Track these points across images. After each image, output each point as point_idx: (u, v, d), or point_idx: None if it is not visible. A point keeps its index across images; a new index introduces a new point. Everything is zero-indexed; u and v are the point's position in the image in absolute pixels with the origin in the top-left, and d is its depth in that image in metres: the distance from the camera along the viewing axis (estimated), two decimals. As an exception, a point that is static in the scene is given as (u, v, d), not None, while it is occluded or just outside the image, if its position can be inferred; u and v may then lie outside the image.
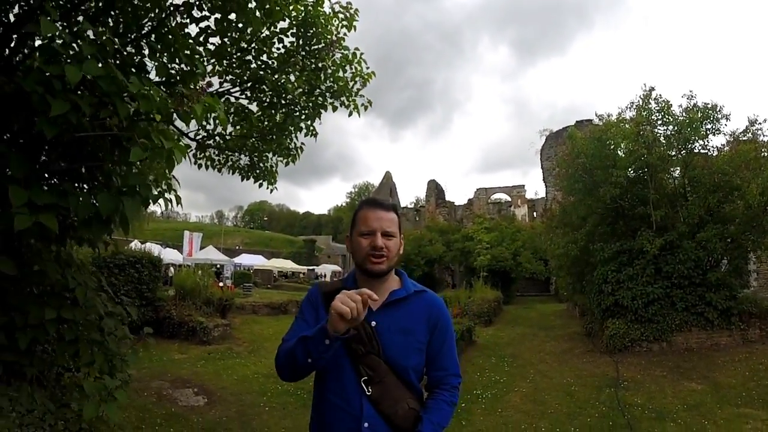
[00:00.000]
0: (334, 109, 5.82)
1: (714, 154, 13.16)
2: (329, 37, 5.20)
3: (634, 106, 13.75)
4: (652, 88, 13.72)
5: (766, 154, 12.46)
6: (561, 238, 15.29)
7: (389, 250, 1.92)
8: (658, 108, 13.32)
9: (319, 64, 5.37)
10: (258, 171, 6.12)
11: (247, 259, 46.07)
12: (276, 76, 5.26)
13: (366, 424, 1.79)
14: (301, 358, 1.73)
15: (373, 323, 1.89)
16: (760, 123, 12.91)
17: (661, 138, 13.22)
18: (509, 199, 49.86)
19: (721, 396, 9.04)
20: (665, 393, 9.30)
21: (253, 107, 5.73)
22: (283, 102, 5.59)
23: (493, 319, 19.53)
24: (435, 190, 52.71)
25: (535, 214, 44.72)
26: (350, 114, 5.69)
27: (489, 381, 10.65)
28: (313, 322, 1.91)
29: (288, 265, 49.62)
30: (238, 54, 5.03)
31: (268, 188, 6.25)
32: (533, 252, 29.65)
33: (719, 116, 12.92)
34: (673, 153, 13.22)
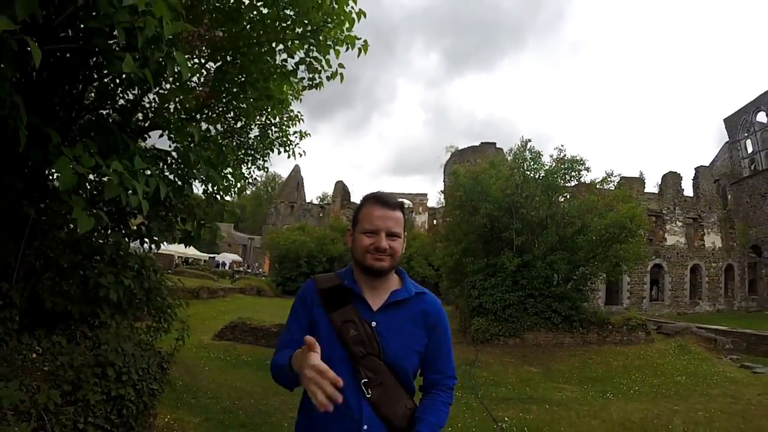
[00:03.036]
0: (279, 152, 7.06)
1: (569, 197, 17.22)
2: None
3: (512, 153, 17.53)
4: (529, 140, 17.91)
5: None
6: (442, 251, 18.98)
7: (394, 250, 1.89)
8: (531, 156, 17.17)
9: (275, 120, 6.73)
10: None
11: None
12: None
13: (365, 427, 1.77)
14: (285, 382, 1.78)
15: (374, 324, 1.86)
16: (613, 176, 17.28)
17: (531, 181, 16.91)
18: (412, 205, 52.28)
19: (549, 376, 12.49)
20: (507, 372, 12.66)
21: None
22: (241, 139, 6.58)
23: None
24: (342, 191, 54.35)
25: (434, 221, 47.58)
26: (288, 156, 7.03)
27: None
28: (305, 323, 1.91)
29: (190, 251, 50.07)
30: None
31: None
32: (425, 258, 32.58)
33: (581, 167, 16.99)
34: (538, 193, 16.86)
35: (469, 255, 17.17)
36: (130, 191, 2.89)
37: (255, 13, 4.90)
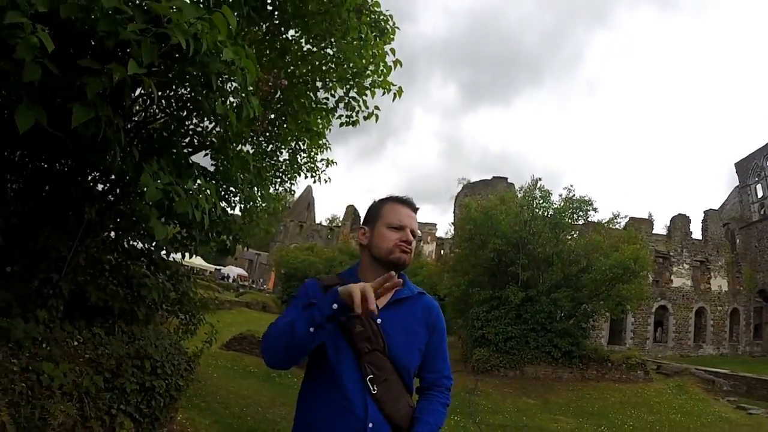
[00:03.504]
0: (306, 177, 7.46)
1: (576, 236, 17.75)
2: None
3: (523, 190, 18.11)
4: (539, 179, 18.65)
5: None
6: (449, 281, 19.43)
7: (412, 248, 1.95)
8: (540, 195, 17.87)
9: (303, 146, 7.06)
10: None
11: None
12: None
13: (370, 425, 1.76)
14: (302, 328, 1.66)
15: (379, 320, 1.87)
16: (620, 217, 17.86)
17: (539, 219, 17.51)
18: (420, 234, 51.60)
19: (546, 408, 12.86)
20: (506, 401, 13.03)
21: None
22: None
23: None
24: (352, 215, 54.84)
25: (442, 252, 47.49)
26: (314, 182, 7.49)
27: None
28: None
29: (196, 261, 50.34)
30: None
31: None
32: (432, 287, 32.66)
33: (589, 208, 17.56)
34: (546, 231, 17.39)
35: (475, 286, 17.75)
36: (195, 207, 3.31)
37: (304, 51, 5.38)
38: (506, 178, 42.35)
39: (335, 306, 1.63)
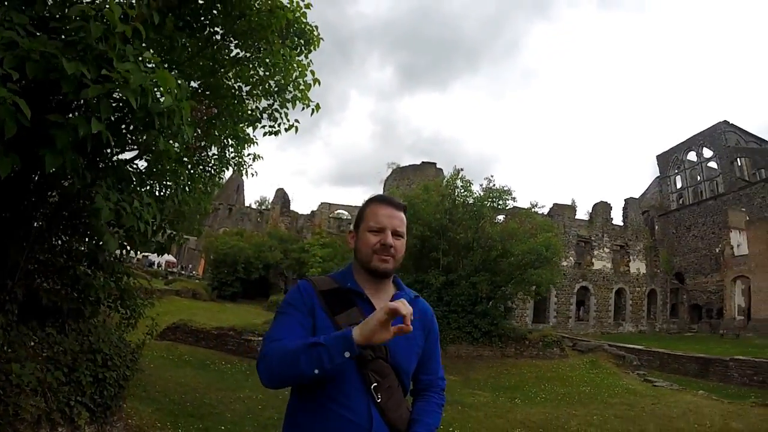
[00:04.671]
0: (234, 171, 8.39)
1: (498, 222, 19.06)
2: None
3: (445, 181, 19.29)
4: (461, 169, 19.89)
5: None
6: None
7: (397, 250, 1.92)
8: (462, 185, 19.23)
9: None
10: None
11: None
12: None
13: None
14: (307, 368, 1.59)
15: None
16: (539, 206, 19.38)
17: (460, 207, 18.75)
18: (350, 217, 52.42)
19: (467, 384, 13.97)
20: (429, 380, 14.05)
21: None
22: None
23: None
24: (282, 198, 54.82)
25: None
26: (242, 176, 8.24)
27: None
28: (308, 325, 1.81)
29: (124, 248, 48.88)
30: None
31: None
32: None
33: (507, 197, 18.88)
34: (466, 219, 18.61)
35: (400, 271, 18.43)
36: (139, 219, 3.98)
37: (235, 58, 6.02)
38: (435, 164, 43.70)
39: (348, 354, 1.58)
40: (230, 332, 14.30)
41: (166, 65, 4.55)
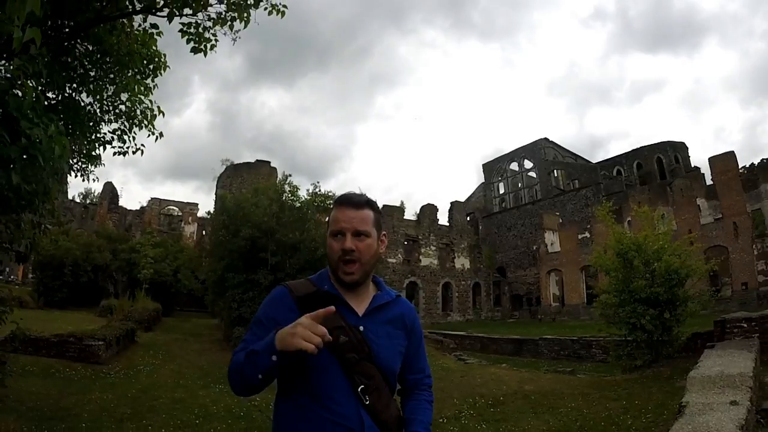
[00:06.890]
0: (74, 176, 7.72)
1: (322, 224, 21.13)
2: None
3: (273, 187, 21.61)
4: (290, 175, 22.33)
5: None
6: (208, 265, 22.51)
7: (360, 252, 1.86)
8: (289, 189, 21.64)
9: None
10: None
11: None
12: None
13: None
14: (251, 375, 1.65)
15: (361, 328, 1.86)
16: None
17: (287, 210, 20.63)
18: (182, 214, 52.78)
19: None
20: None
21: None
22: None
23: (153, 326, 22.95)
24: (110, 193, 51.51)
25: (204, 233, 46.93)
26: (83, 180, 7.78)
27: (148, 362, 15.45)
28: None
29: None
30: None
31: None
32: (193, 271, 32.72)
33: (331, 202, 21.17)
34: (294, 221, 20.47)
35: (231, 270, 19.77)
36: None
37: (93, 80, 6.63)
38: (269, 162, 45.75)
39: (274, 358, 1.59)
40: (70, 338, 14.31)
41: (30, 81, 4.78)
